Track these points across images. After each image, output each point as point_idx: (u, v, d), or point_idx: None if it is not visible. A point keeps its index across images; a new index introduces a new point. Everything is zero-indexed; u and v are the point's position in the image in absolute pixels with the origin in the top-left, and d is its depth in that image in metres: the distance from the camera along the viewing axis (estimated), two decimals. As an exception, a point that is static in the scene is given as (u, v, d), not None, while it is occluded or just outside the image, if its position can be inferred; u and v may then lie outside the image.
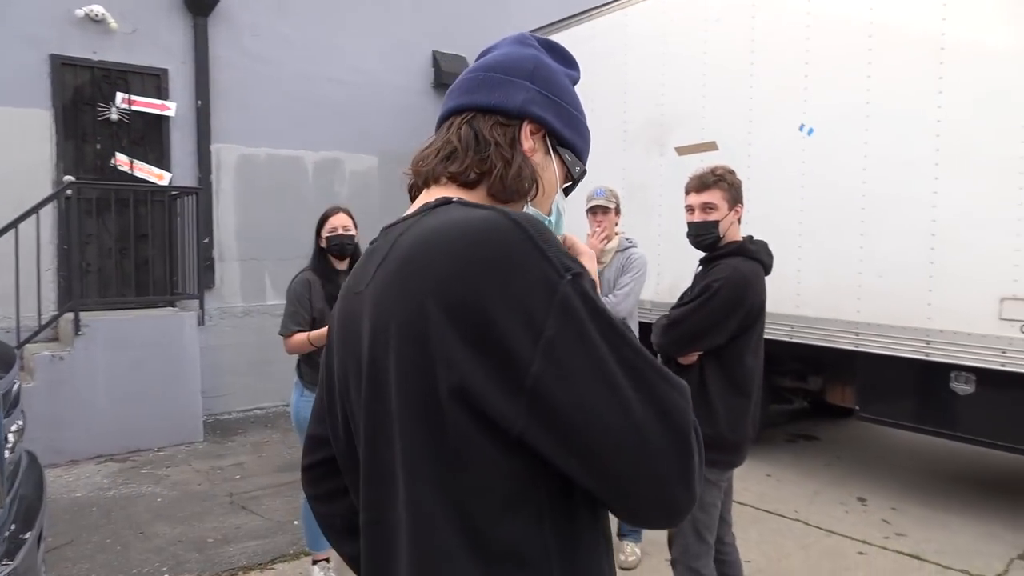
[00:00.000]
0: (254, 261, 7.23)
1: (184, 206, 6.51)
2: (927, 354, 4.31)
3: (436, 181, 1.02)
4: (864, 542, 4.04)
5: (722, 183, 2.67)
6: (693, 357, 2.63)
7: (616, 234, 3.96)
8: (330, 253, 3.49)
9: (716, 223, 2.66)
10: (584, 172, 1.13)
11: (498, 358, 0.80)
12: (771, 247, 2.81)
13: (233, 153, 7.08)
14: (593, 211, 3.89)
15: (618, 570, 3.75)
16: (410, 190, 1.07)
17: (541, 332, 0.80)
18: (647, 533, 3.92)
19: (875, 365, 4.67)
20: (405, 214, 0.99)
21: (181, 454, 5.71)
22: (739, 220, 2.74)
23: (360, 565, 1.00)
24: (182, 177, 6.75)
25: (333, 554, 3.69)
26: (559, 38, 7.14)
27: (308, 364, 3.46)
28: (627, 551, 3.85)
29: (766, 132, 5.20)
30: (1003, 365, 3.98)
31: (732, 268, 2.60)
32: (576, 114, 1.10)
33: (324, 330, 3.25)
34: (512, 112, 1.02)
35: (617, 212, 3.96)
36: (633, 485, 0.82)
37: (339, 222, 3.47)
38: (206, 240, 6.69)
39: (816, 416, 6.68)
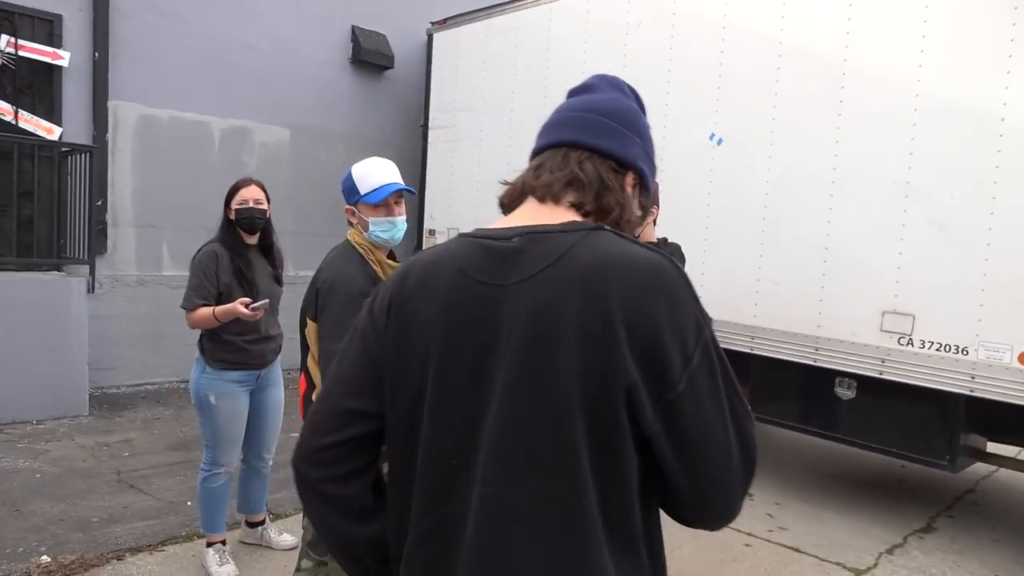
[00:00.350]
0: (152, 228, 6.85)
1: (75, 165, 6.08)
2: (815, 360, 4.63)
3: (556, 202, 1.15)
4: (750, 534, 4.30)
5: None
6: None
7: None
8: (239, 226, 3.37)
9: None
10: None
11: (655, 372, 0.99)
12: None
13: (133, 112, 6.67)
14: None
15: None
16: (508, 198, 1.22)
17: (690, 360, 1.01)
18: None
19: (767, 368, 4.97)
20: (538, 223, 1.11)
21: (63, 428, 5.37)
22: (655, 222, 2.84)
23: (382, 545, 1.17)
24: (74, 133, 6.29)
25: (230, 536, 3.59)
26: (480, 27, 7.16)
27: (212, 340, 3.33)
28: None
29: (679, 139, 5.39)
30: (881, 373, 4.33)
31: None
32: (655, 165, 1.27)
33: (231, 306, 3.15)
34: (625, 162, 1.18)
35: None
36: (713, 493, 1.05)
37: (251, 195, 3.36)
38: (99, 203, 6.28)
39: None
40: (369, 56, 8.20)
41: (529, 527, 1.01)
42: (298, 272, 6.17)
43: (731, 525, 3.37)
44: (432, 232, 7.72)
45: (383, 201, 2.47)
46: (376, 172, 2.49)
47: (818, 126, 4.64)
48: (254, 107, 7.46)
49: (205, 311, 3.24)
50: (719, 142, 5.17)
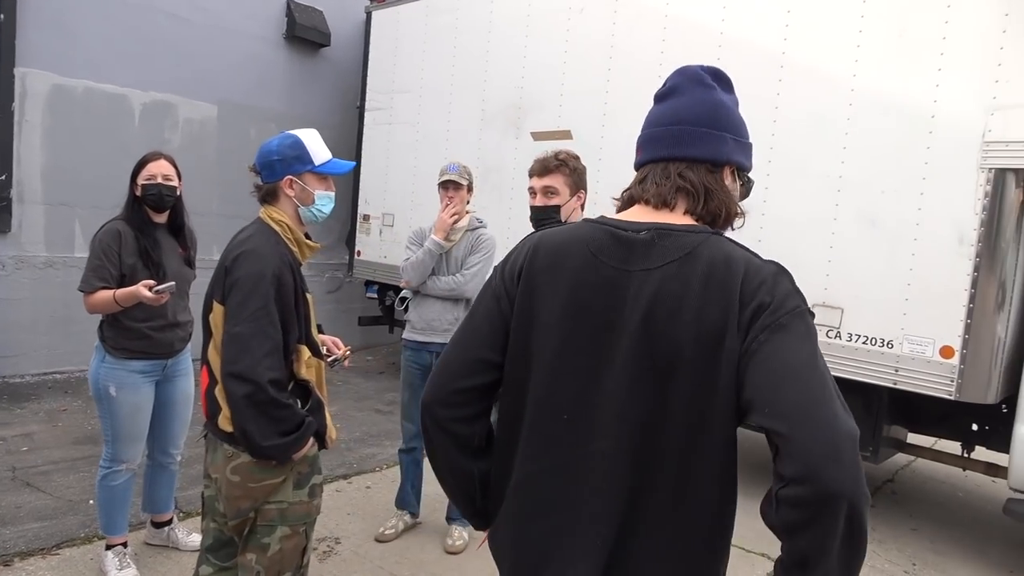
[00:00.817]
0: (63, 207, 6.43)
1: (-23, 136, 5.64)
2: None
3: (671, 208, 1.31)
4: (677, 526, 4.27)
5: (564, 168, 2.62)
6: None
7: (467, 212, 3.88)
8: (146, 203, 3.12)
9: (557, 208, 2.60)
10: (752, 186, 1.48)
11: (753, 329, 1.16)
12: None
13: (44, 81, 6.22)
14: (444, 186, 3.79)
15: (445, 554, 3.73)
16: (620, 206, 1.39)
17: (783, 324, 1.15)
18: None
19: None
20: (652, 220, 1.30)
21: (-46, 420, 4.99)
22: (582, 207, 2.67)
23: (487, 481, 1.40)
24: (-24, 102, 5.84)
25: (133, 538, 3.35)
26: (420, 6, 6.94)
27: (113, 327, 3.08)
28: (455, 535, 3.81)
29: (620, 126, 5.31)
30: (809, 366, 4.33)
31: None
32: (750, 143, 1.44)
33: (133, 289, 2.89)
34: (719, 162, 1.33)
35: (469, 190, 3.89)
36: (806, 435, 1.07)
37: (158, 169, 3.11)
38: (2, 177, 5.85)
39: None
40: (305, 33, 7.88)
41: (644, 474, 1.21)
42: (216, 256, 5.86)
43: None
44: (366, 217, 7.48)
45: (327, 173, 2.29)
46: (321, 143, 2.30)
47: (755, 118, 4.56)
48: (179, 81, 7.07)
49: (105, 294, 2.99)
50: (657, 132, 5.10)
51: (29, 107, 6.16)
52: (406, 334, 3.87)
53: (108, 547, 3.22)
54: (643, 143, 1.38)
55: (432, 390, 1.37)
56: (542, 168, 2.66)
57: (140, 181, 3.11)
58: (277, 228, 2.23)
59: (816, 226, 4.36)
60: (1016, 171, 3.78)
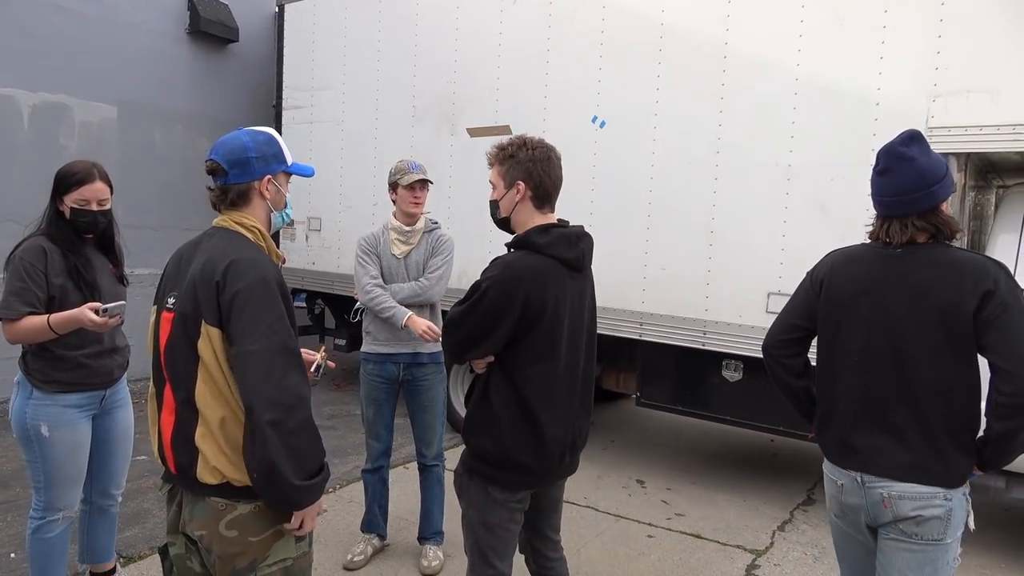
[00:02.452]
0: (-57, 222, 5.73)
1: None
2: (704, 344, 4.62)
3: (919, 232, 2.08)
4: (650, 524, 4.22)
5: (496, 160, 2.31)
6: (483, 364, 2.26)
7: (421, 214, 3.67)
8: (74, 227, 2.75)
9: (496, 203, 2.33)
10: None
11: (982, 306, 1.97)
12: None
13: (-88, 82, 5.52)
14: (412, 187, 3.54)
15: (420, 576, 3.53)
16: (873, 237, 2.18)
17: (1005, 302, 1.96)
18: (449, 536, 3.71)
19: (656, 353, 4.92)
20: (906, 240, 2.10)
21: None
22: (532, 198, 2.24)
23: (810, 395, 2.34)
24: None
25: (71, 595, 2.96)
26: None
27: (41, 358, 2.69)
28: (430, 555, 3.61)
29: (560, 121, 5.21)
30: (768, 354, 4.38)
31: (505, 265, 2.18)
32: (950, 177, 2.14)
33: (76, 312, 2.52)
34: (935, 206, 2.07)
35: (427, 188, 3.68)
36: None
37: (93, 195, 2.76)
38: None
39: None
40: (210, 27, 7.37)
41: (909, 384, 2.05)
42: (134, 270, 5.37)
43: (630, 516, 3.90)
44: (291, 222, 7.06)
45: (296, 175, 2.05)
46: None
47: (701, 109, 4.62)
48: (72, 80, 6.45)
49: (35, 321, 2.59)
50: (602, 125, 5.04)
51: None
52: (366, 347, 3.62)
53: (43, 609, 2.82)
54: (879, 205, 2.14)
55: (767, 339, 2.40)
56: (489, 159, 2.40)
57: (70, 203, 2.72)
58: (250, 235, 1.92)
59: (767, 215, 4.39)
60: (957, 155, 3.93)
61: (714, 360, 4.69)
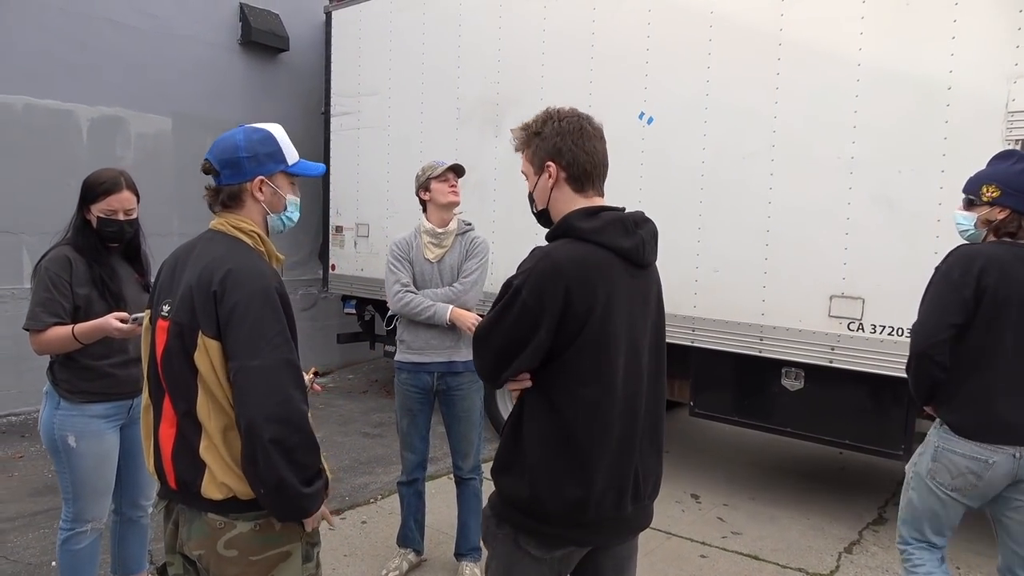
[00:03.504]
0: (7, 235, 5.92)
1: (-95, 162, 5.12)
2: (760, 350, 4.34)
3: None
4: (704, 543, 3.97)
5: (524, 139, 1.94)
6: (521, 383, 1.79)
7: (454, 215, 3.54)
8: (100, 236, 2.72)
9: (531, 195, 1.93)
10: None
11: None
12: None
13: (-22, 99, 5.72)
14: (444, 177, 3.44)
15: (457, 594, 3.38)
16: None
17: None
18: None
19: (710, 360, 4.66)
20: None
21: None
22: (568, 180, 1.83)
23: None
24: (-97, 125, 5.32)
25: (102, 607, 2.93)
26: (384, 4, 6.57)
27: (68, 368, 2.67)
28: (466, 573, 3.46)
29: (606, 118, 4.89)
30: (831, 361, 4.08)
31: (542, 255, 1.73)
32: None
33: (101, 322, 2.50)
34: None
35: (457, 185, 3.56)
36: None
37: (120, 204, 2.71)
38: (-62, 206, 5.34)
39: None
40: (261, 37, 7.46)
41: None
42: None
43: (683, 535, 3.41)
44: (339, 229, 7.07)
45: (299, 175, 1.93)
46: (289, 140, 1.92)
47: (754, 101, 4.35)
48: (129, 93, 6.60)
49: (60, 331, 2.58)
50: (649, 121, 4.82)
51: (-37, 128, 5.66)
52: (400, 356, 3.51)
53: (75, 620, 2.80)
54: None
55: (923, 342, 2.50)
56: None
57: (97, 212, 2.70)
58: (247, 239, 1.83)
59: (828, 212, 4.09)
60: (1043, 141, 3.56)
61: (773, 368, 4.39)
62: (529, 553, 1.79)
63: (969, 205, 2.61)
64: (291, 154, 1.91)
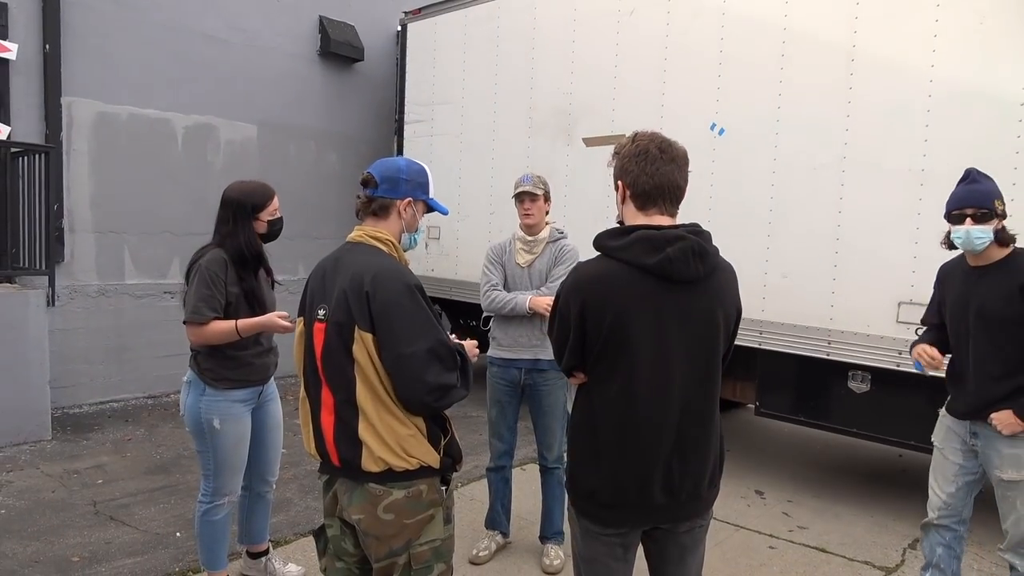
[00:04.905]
0: (112, 234, 6.40)
1: (27, 167, 5.60)
2: (828, 354, 4.51)
3: None
4: (772, 536, 4.17)
5: (612, 157, 2.07)
6: (578, 377, 2.04)
7: (547, 223, 3.80)
8: (267, 237, 3.11)
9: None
10: None
11: None
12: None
13: (89, 109, 6.20)
14: (520, 198, 3.69)
15: (544, 574, 3.65)
16: None
17: None
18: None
19: (776, 362, 4.84)
20: None
21: (25, 455, 4.94)
22: (632, 197, 1.96)
23: None
24: (24, 132, 5.82)
25: (234, 568, 3.28)
26: (458, 16, 6.89)
27: (214, 358, 2.99)
28: (551, 554, 3.72)
29: (677, 129, 5.14)
30: (898, 365, 4.23)
31: (572, 270, 2.03)
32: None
33: (268, 319, 2.91)
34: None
35: (546, 199, 3.78)
36: None
37: (277, 203, 3.14)
38: (55, 207, 5.81)
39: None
40: (338, 48, 7.85)
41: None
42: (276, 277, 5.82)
43: (750, 527, 3.64)
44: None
45: (434, 209, 2.28)
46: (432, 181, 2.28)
47: (827, 114, 4.52)
48: (219, 102, 7.05)
49: (224, 325, 2.92)
50: (720, 132, 5.02)
51: (76, 136, 6.14)
52: (491, 351, 3.79)
53: (210, 582, 3.15)
54: None
55: None
56: None
57: (266, 217, 3.07)
58: (383, 247, 2.13)
59: (898, 223, 4.24)
60: (1115, 157, 3.67)
61: (839, 370, 4.56)
62: (587, 527, 2.02)
63: (982, 219, 2.80)
64: (432, 191, 2.26)
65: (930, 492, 3.11)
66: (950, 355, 3.04)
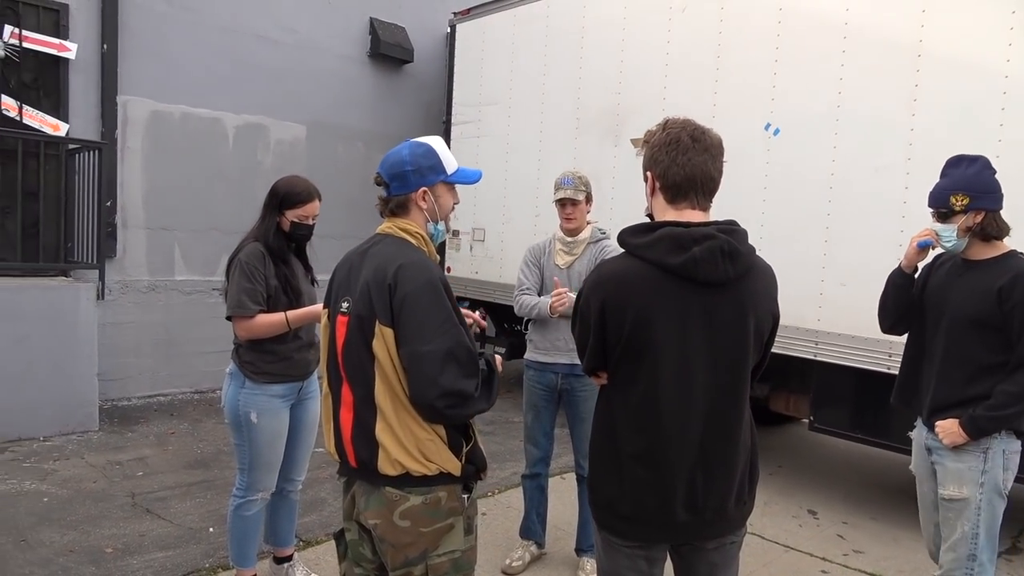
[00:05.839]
0: (163, 231, 6.51)
1: (83, 163, 5.73)
2: (890, 367, 4.24)
3: None
4: (824, 559, 3.92)
5: (641, 145, 2.00)
6: (600, 378, 1.93)
7: (588, 223, 3.66)
8: (289, 238, 3.04)
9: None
10: None
11: None
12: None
13: (143, 108, 6.33)
14: (561, 203, 3.56)
15: (578, 588, 3.51)
16: None
17: None
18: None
19: (832, 375, 4.59)
20: None
21: (72, 445, 5.02)
22: (662, 190, 1.84)
23: None
24: (81, 130, 5.96)
25: (261, 569, 3.22)
26: (507, 16, 6.81)
27: (256, 351, 2.94)
28: (587, 568, 3.57)
29: (730, 129, 4.91)
30: (966, 381, 3.94)
31: (594, 269, 1.94)
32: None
33: (312, 309, 2.87)
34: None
35: (588, 200, 3.64)
36: None
37: (311, 212, 3.03)
38: (108, 203, 5.93)
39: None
40: (388, 49, 7.86)
41: None
42: (317, 276, 5.82)
43: (801, 548, 3.46)
44: (455, 233, 7.35)
45: (458, 183, 2.10)
46: (448, 151, 2.10)
47: (890, 113, 4.27)
48: (270, 102, 7.12)
49: (273, 317, 2.89)
50: (776, 132, 4.81)
51: (130, 133, 6.27)
52: (528, 354, 3.67)
53: (238, 580, 3.10)
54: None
55: None
56: None
57: (291, 217, 2.99)
58: (412, 240, 2.02)
59: (968, 227, 3.97)
60: None
61: (900, 385, 4.29)
62: (608, 539, 1.90)
63: (943, 217, 2.60)
64: (450, 164, 2.08)
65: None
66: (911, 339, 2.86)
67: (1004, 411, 2.48)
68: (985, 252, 2.63)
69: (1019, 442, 2.58)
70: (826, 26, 4.56)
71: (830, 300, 4.52)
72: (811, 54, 4.65)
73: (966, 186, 2.57)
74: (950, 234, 2.59)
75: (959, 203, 2.54)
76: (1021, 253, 2.64)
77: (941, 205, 2.60)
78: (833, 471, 5.49)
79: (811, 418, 4.79)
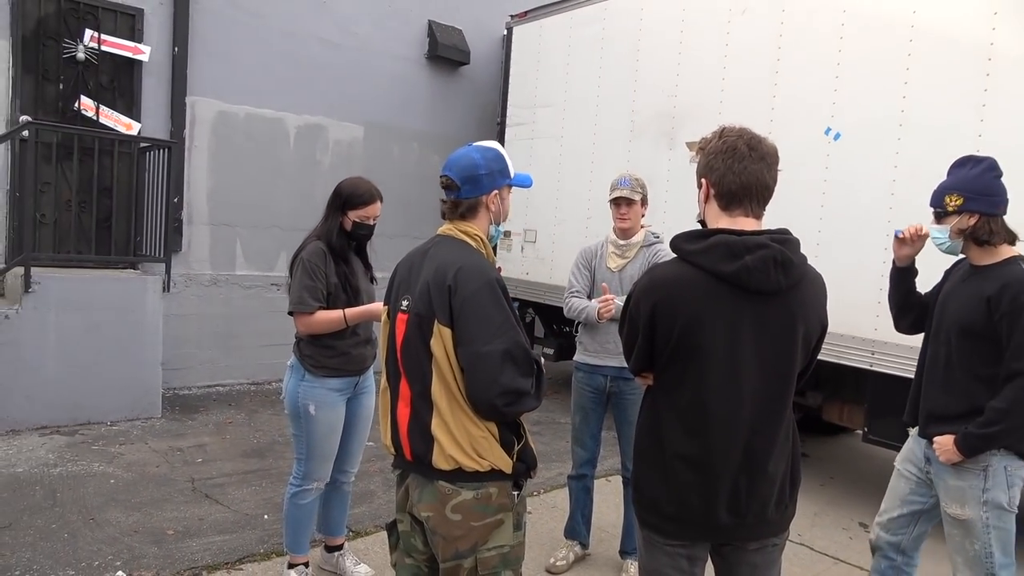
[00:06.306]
0: (226, 227, 6.73)
1: (153, 161, 5.97)
2: (950, 378, 4.12)
3: None
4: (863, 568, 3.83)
5: (697, 151, 2.09)
6: (645, 379, 1.97)
7: (642, 227, 3.66)
8: (350, 237, 3.12)
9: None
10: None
11: None
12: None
13: (210, 108, 6.56)
14: (616, 202, 3.57)
15: (622, 590, 3.51)
16: None
17: None
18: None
19: (889, 386, 4.47)
20: None
21: (136, 430, 5.24)
22: (716, 197, 1.86)
23: None
24: (152, 129, 6.22)
25: (312, 556, 3.32)
26: (564, 18, 6.84)
27: (315, 345, 3.05)
28: (631, 570, 3.57)
29: (788, 133, 4.93)
30: (1032, 396, 3.80)
31: (646, 273, 1.97)
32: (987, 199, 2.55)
33: (372, 307, 2.97)
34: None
35: (643, 203, 3.64)
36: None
37: (373, 213, 3.11)
38: (175, 200, 6.17)
39: (802, 432, 6.52)
40: (446, 52, 7.97)
41: None
42: (374, 273, 5.96)
43: (851, 561, 3.70)
44: (507, 234, 7.40)
45: (517, 186, 2.16)
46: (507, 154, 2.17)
47: (958, 116, 4.15)
48: (329, 103, 7.29)
49: (330, 315, 2.99)
50: (836, 136, 4.71)
51: (197, 133, 6.51)
52: (578, 356, 3.69)
53: (291, 565, 3.21)
54: None
55: None
56: None
57: (353, 217, 3.08)
58: (471, 242, 2.07)
59: (1038, 237, 3.83)
60: None
61: (961, 398, 4.16)
62: (650, 537, 1.92)
63: (939, 218, 2.54)
64: (512, 167, 2.15)
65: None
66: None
67: (993, 428, 2.38)
68: (986, 257, 2.52)
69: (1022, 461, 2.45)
70: (891, 27, 4.45)
71: (888, 309, 4.40)
72: (874, 56, 4.54)
73: (962, 187, 2.50)
74: (942, 235, 2.54)
75: (952, 204, 2.49)
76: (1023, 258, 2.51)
77: (936, 205, 2.56)
78: (885, 484, 5.32)
79: (866, 429, 4.67)
